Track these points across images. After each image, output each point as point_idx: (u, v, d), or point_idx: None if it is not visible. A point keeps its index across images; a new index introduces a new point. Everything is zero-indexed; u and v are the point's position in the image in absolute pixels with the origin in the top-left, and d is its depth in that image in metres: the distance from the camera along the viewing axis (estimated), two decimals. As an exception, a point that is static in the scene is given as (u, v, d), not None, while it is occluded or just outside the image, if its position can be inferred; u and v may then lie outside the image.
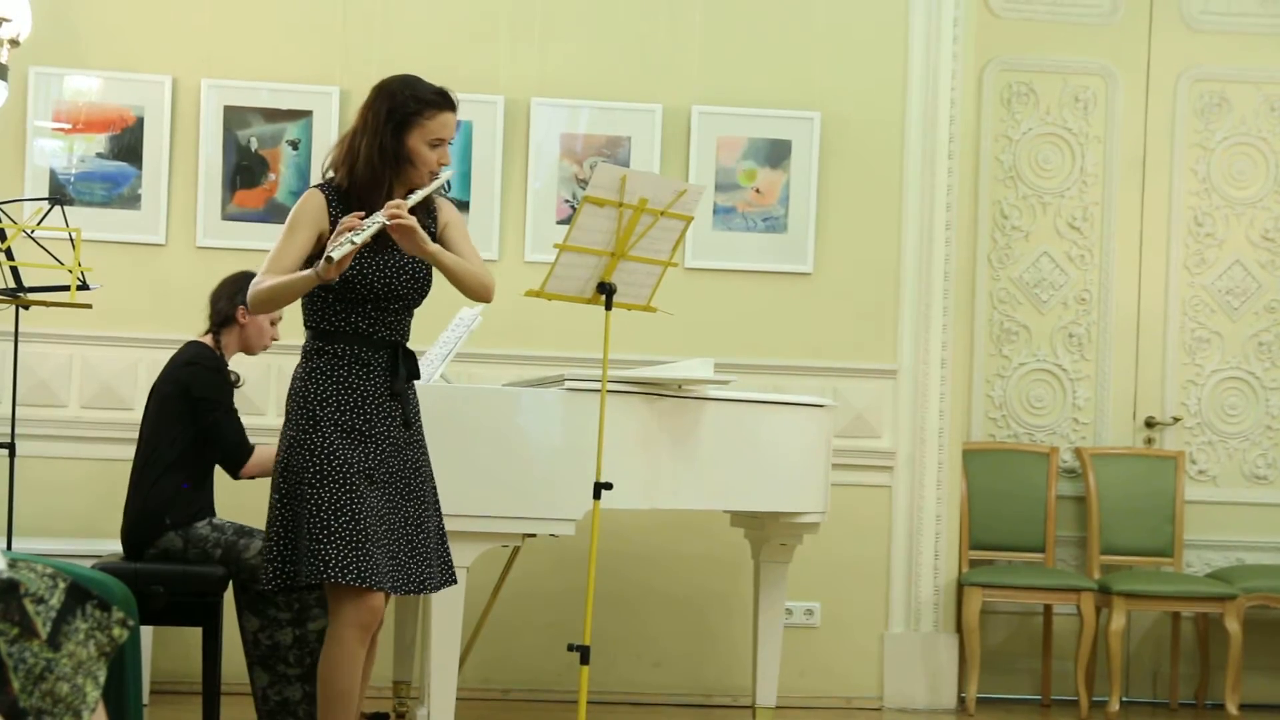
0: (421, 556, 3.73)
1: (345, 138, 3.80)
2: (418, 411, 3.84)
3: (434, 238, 3.80)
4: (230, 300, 4.78)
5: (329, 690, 3.66)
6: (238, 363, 4.91)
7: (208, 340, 4.81)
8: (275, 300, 3.68)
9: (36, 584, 2.47)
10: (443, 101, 3.76)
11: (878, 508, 6.15)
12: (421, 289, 3.79)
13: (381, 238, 3.66)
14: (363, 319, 3.72)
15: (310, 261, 3.68)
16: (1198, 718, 6.31)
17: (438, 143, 3.75)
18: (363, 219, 3.59)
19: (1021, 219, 6.60)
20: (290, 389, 3.75)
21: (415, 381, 3.85)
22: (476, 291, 3.80)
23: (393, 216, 3.58)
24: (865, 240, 6.17)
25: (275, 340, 4.90)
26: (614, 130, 6.09)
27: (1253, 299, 6.64)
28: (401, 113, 3.71)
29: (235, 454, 4.71)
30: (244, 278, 4.81)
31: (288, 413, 3.73)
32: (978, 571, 6.17)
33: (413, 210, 3.71)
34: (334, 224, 3.70)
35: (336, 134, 5.70)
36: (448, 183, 5.96)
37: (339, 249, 3.50)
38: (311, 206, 3.73)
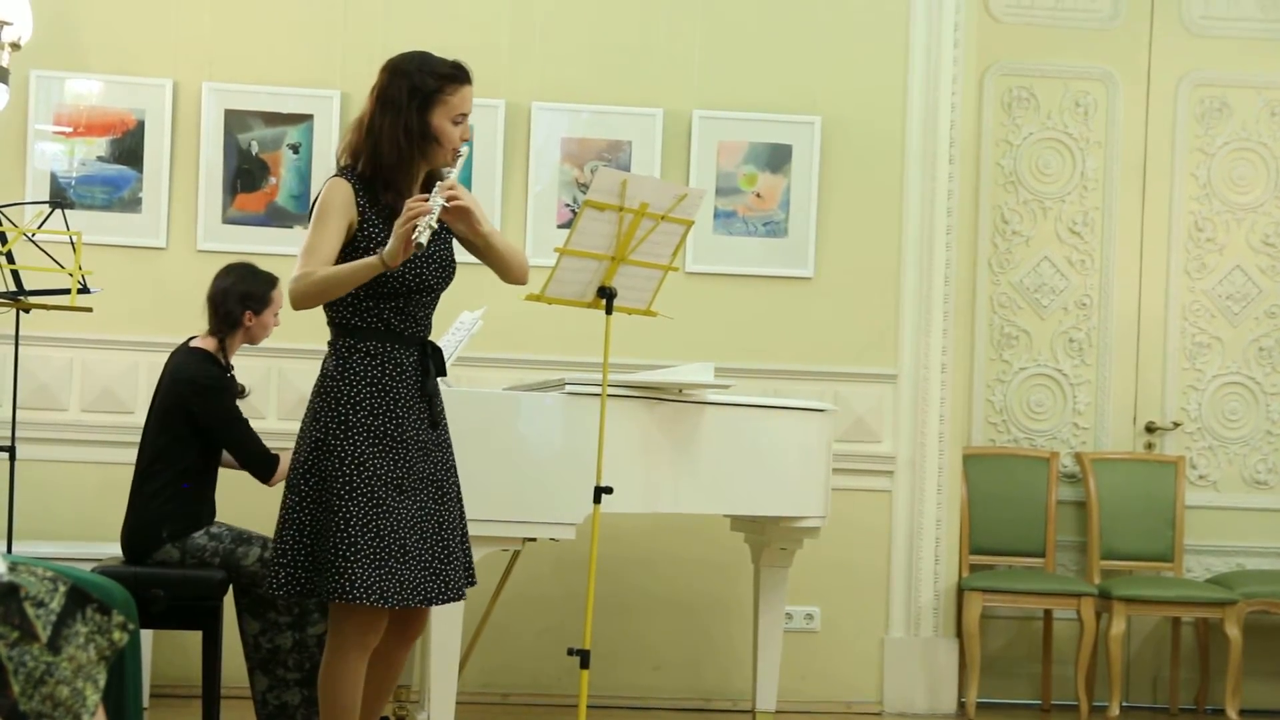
0: (455, 563, 3.65)
1: (361, 123, 3.67)
2: (444, 410, 3.76)
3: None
4: (240, 304, 4.72)
5: (332, 706, 3.62)
6: (241, 369, 4.89)
7: (210, 345, 4.75)
8: (328, 293, 3.55)
9: (37, 587, 2.47)
10: (461, 75, 3.67)
11: (878, 512, 6.15)
12: (448, 277, 3.72)
13: None
14: (393, 314, 3.63)
15: (345, 253, 3.60)
16: (1198, 723, 6.33)
17: (460, 118, 3.66)
18: (426, 199, 3.49)
19: (1022, 224, 6.61)
20: (319, 387, 3.63)
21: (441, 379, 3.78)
22: (516, 273, 3.77)
23: (450, 198, 3.50)
24: (866, 245, 6.17)
25: (277, 326, 4.86)
26: (615, 134, 6.09)
27: (1253, 304, 6.64)
28: (423, 91, 3.61)
29: (264, 467, 4.68)
30: (249, 278, 4.76)
31: (315, 411, 3.61)
32: (978, 576, 6.17)
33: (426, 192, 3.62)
34: (361, 213, 3.60)
35: (337, 138, 5.71)
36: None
37: (424, 234, 3.40)
38: (341, 196, 3.60)
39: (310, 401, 3.66)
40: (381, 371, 3.62)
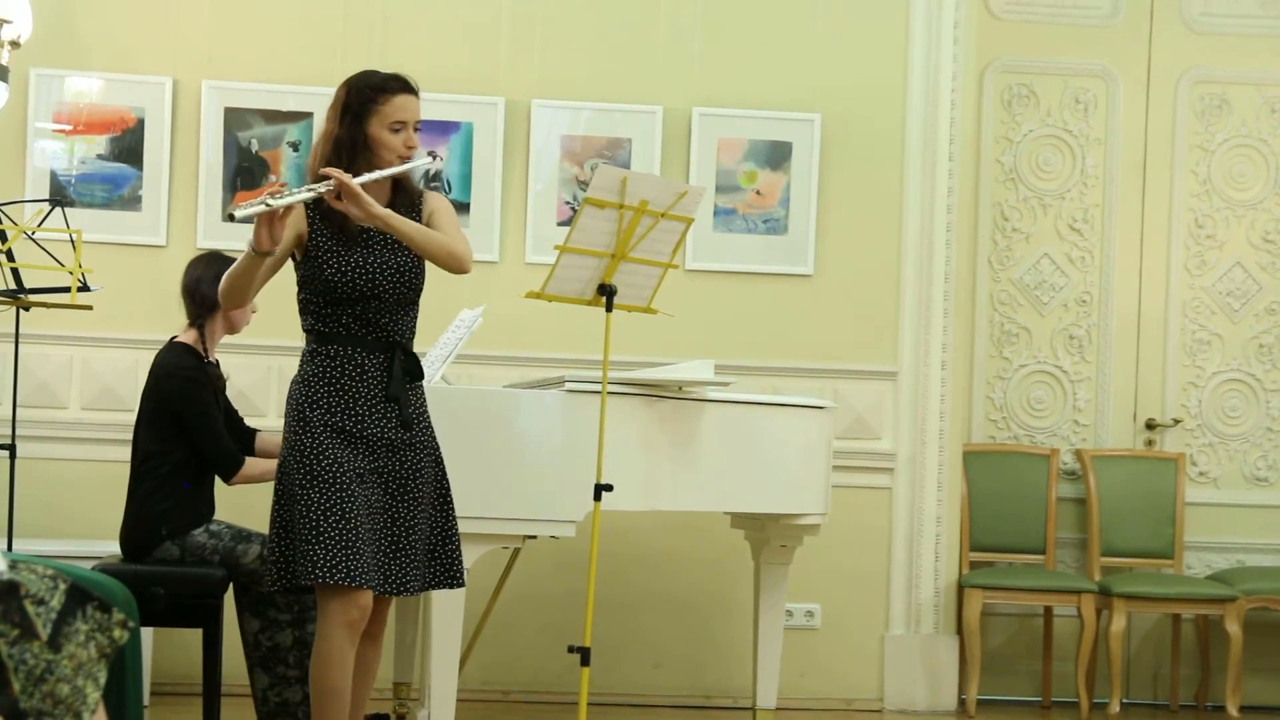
0: (406, 558, 3.72)
1: (317, 141, 3.82)
2: (422, 412, 3.82)
3: None
4: (213, 285, 4.69)
5: (320, 688, 3.67)
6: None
7: (190, 337, 4.72)
8: (233, 287, 3.70)
9: (37, 585, 2.47)
10: (396, 85, 3.76)
11: (878, 509, 6.15)
12: (407, 285, 3.76)
13: (356, 234, 3.68)
14: (353, 319, 3.72)
15: (296, 262, 3.74)
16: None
17: (399, 126, 3.74)
18: (284, 186, 3.59)
19: (1022, 221, 6.60)
20: (288, 393, 3.78)
21: (419, 382, 3.84)
22: (445, 260, 3.73)
23: (334, 179, 3.56)
24: (866, 242, 6.17)
25: (255, 312, 4.83)
26: (615, 132, 6.09)
27: (1253, 301, 6.64)
28: (358, 101, 3.74)
29: (223, 465, 4.67)
30: (217, 261, 4.71)
31: (286, 416, 3.76)
32: (978, 573, 6.17)
33: (393, 203, 3.72)
34: (311, 223, 3.72)
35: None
36: (448, 182, 5.98)
37: (243, 209, 3.47)
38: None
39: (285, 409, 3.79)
40: (341, 373, 3.71)
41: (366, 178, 3.65)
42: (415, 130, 3.78)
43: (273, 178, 5.96)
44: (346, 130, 3.72)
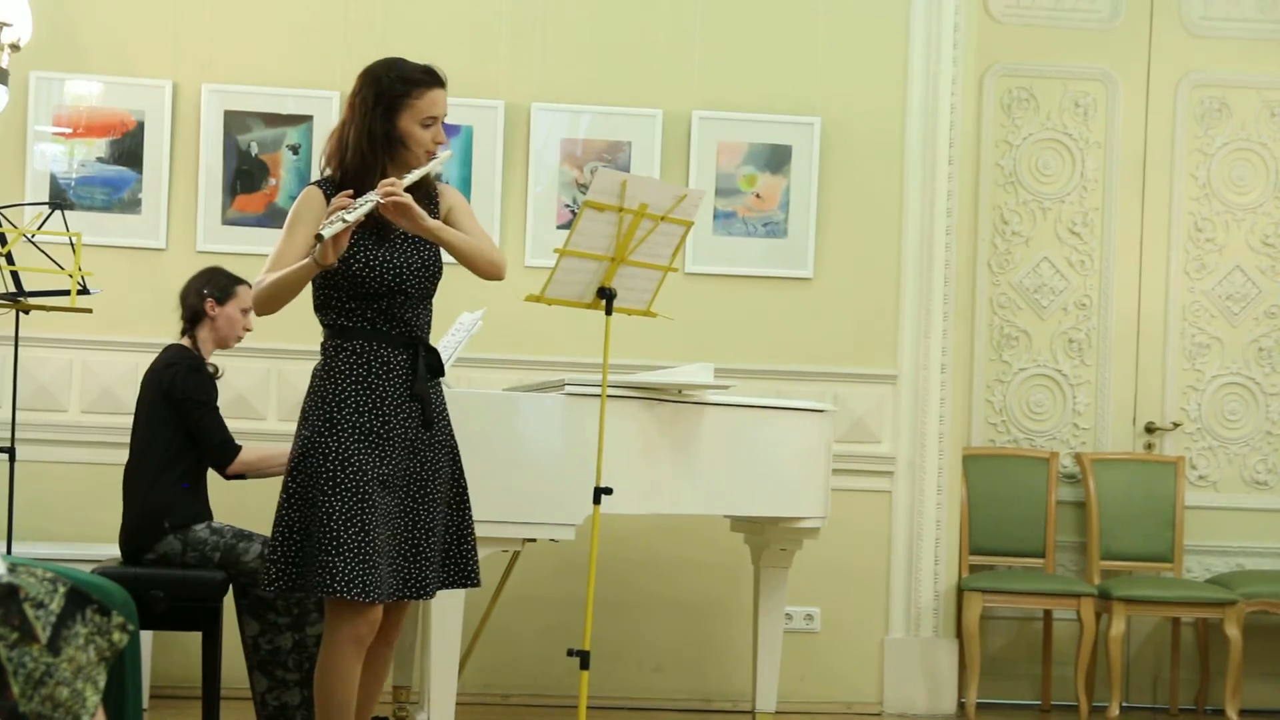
0: (425, 561, 3.67)
1: (336, 130, 3.75)
2: (442, 410, 3.77)
3: None
4: (199, 294, 4.78)
5: (327, 701, 3.64)
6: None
7: (184, 342, 4.81)
8: (277, 296, 3.61)
9: (36, 589, 2.47)
10: (430, 79, 3.70)
11: (878, 513, 6.15)
12: (428, 280, 3.73)
13: (385, 229, 3.64)
14: (378, 315, 3.66)
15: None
16: (1198, 723, 6.33)
17: (430, 121, 3.69)
18: (353, 198, 3.53)
19: (1022, 224, 6.61)
20: (309, 388, 3.69)
21: (439, 378, 3.79)
22: (485, 269, 3.74)
23: (387, 194, 3.52)
24: (865, 245, 6.17)
25: (249, 330, 4.87)
26: (614, 135, 6.09)
27: (1253, 304, 6.64)
28: (389, 95, 3.66)
29: (220, 453, 4.68)
30: (210, 272, 4.86)
31: (304, 412, 3.66)
32: (978, 577, 6.17)
33: (412, 194, 3.63)
34: None
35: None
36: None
37: (330, 227, 3.44)
38: (309, 203, 3.69)
39: (302, 403, 3.71)
40: (367, 370, 3.65)
41: (408, 180, 3.61)
42: (443, 124, 3.75)
43: (272, 181, 5.96)
44: (380, 123, 3.65)
